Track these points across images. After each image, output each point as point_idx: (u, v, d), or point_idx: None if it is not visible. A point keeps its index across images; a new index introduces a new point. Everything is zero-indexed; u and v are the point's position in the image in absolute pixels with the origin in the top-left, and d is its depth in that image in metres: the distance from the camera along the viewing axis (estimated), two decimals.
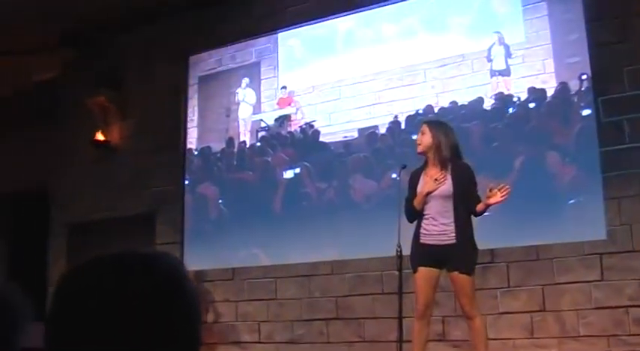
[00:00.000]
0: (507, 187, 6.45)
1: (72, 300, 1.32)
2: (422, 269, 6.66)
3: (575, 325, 9.04)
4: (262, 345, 11.16)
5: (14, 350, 1.70)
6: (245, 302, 11.43)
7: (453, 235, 6.52)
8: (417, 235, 6.75)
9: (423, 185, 6.76)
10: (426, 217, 6.70)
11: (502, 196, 6.42)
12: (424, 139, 6.81)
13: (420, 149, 6.86)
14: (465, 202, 6.60)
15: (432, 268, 6.64)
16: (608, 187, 9.04)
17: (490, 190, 6.45)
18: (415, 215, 6.81)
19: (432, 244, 6.63)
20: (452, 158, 6.75)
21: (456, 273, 6.51)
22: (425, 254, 6.65)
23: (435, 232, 6.63)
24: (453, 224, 6.54)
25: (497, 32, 10.17)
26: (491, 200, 6.44)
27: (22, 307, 1.74)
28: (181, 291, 1.37)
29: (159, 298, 1.32)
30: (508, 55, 10.07)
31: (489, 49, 10.22)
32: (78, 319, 1.29)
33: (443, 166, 6.70)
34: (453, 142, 6.85)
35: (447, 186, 6.60)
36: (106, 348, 1.26)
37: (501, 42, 10.14)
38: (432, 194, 6.67)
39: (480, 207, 6.58)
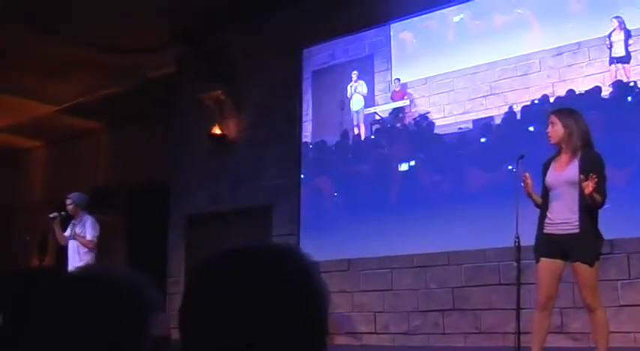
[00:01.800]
0: (594, 176, 6.26)
1: (206, 293, 1.36)
2: (545, 260, 6.54)
3: None
4: (378, 335, 11.21)
5: (147, 338, 1.76)
6: (361, 293, 11.50)
7: (577, 223, 6.36)
8: (541, 224, 6.64)
9: (548, 177, 6.65)
10: (551, 205, 6.59)
11: (592, 186, 6.24)
12: (555, 130, 6.65)
13: (553, 141, 6.70)
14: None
15: (555, 260, 6.51)
16: None
17: (583, 182, 6.30)
18: (540, 207, 6.72)
19: (555, 234, 6.49)
20: (583, 146, 6.61)
21: (578, 263, 6.35)
22: (548, 244, 6.52)
23: (559, 221, 6.49)
24: (577, 213, 6.41)
25: (618, 17, 9.92)
26: (585, 191, 6.29)
27: (152, 296, 1.81)
28: (312, 283, 1.40)
29: (291, 291, 1.35)
30: (628, 40, 9.84)
31: (609, 35, 9.98)
32: (211, 311, 1.33)
33: (574, 154, 6.57)
34: (584, 130, 6.70)
35: (573, 174, 6.45)
36: (238, 338, 1.29)
37: (622, 27, 9.90)
38: (556, 182, 6.56)
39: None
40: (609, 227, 8.26)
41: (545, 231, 6.58)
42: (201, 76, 13.63)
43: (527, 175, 6.64)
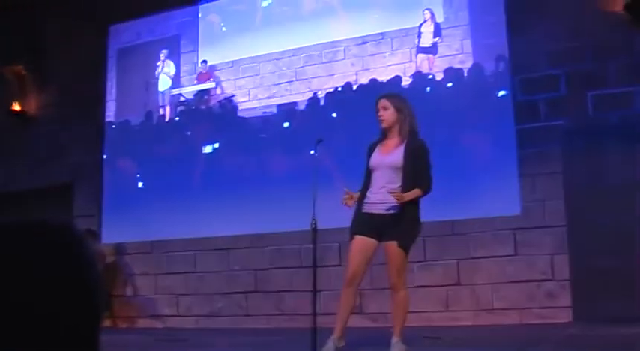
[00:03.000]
0: (395, 194, 6.37)
1: None
2: (358, 237, 6.54)
3: (489, 298, 9.28)
4: (182, 318, 11.18)
5: None
6: (164, 275, 11.43)
7: (396, 206, 6.38)
8: (360, 203, 6.69)
9: (373, 159, 6.69)
10: (372, 186, 6.66)
11: (399, 201, 6.36)
12: (388, 114, 6.62)
13: (385, 125, 6.66)
14: (415, 177, 6.54)
15: (369, 238, 6.55)
16: (524, 164, 9.30)
17: (392, 196, 6.38)
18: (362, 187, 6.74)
19: (374, 213, 6.51)
20: (410, 132, 6.69)
21: (391, 243, 6.38)
22: (365, 223, 6.55)
23: (378, 201, 6.47)
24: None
25: (429, 9, 10.29)
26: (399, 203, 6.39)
27: None
28: (73, 258, 1.35)
29: (45, 264, 1.29)
30: (437, 33, 10.21)
31: (419, 26, 10.34)
32: None
33: (402, 140, 6.62)
34: (412, 116, 6.78)
35: (398, 158, 6.50)
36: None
37: (433, 20, 10.28)
38: (380, 165, 6.60)
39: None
40: None
41: (363, 210, 6.59)
42: (3, 50, 13.11)
43: (347, 192, 6.67)
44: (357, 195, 6.65)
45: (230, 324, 10.69)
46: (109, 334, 1.39)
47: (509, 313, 9.16)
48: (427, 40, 10.29)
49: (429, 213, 9.49)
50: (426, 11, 10.35)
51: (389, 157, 6.57)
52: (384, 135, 6.71)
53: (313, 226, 6.54)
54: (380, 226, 6.46)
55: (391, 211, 6.45)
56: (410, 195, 6.34)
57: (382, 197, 6.49)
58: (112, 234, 11.81)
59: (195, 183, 11.51)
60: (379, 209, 6.51)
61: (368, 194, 6.60)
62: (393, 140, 6.62)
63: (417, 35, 10.37)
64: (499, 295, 9.24)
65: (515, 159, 9.36)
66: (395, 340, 6.37)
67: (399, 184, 6.45)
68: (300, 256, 10.14)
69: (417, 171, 6.45)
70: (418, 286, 9.51)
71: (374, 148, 6.72)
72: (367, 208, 6.58)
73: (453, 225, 9.54)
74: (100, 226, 11.96)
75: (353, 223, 6.63)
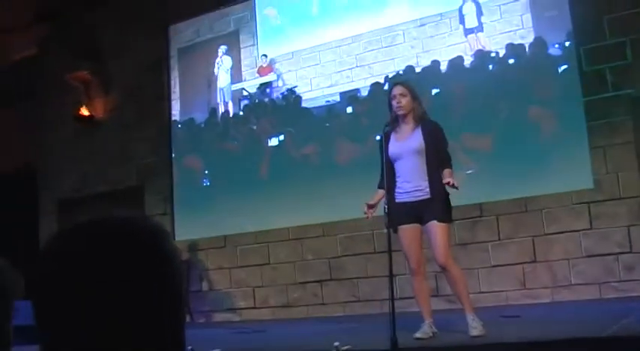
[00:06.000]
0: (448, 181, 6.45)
1: (49, 269, 1.30)
2: (403, 228, 6.63)
3: (566, 274, 9.15)
4: (258, 310, 11.25)
5: (7, 325, 1.72)
6: (238, 269, 11.51)
7: (428, 190, 6.52)
8: (391, 195, 6.70)
9: (392, 148, 6.72)
10: (399, 175, 6.74)
11: (450, 179, 6.44)
12: (406, 100, 6.70)
13: (403, 111, 6.75)
14: (438, 158, 6.59)
15: (413, 225, 6.61)
16: (593, 136, 9.13)
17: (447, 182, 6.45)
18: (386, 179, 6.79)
19: (408, 201, 6.60)
20: (422, 115, 6.76)
21: (431, 223, 6.48)
22: (403, 212, 6.60)
23: (411, 189, 6.59)
24: (427, 180, 6.56)
25: None
26: (452, 184, 6.45)
27: (12, 282, 1.76)
28: (157, 254, 1.34)
29: (132, 261, 1.29)
30: (479, 11, 10.13)
31: (460, 9, 10.30)
32: (56, 287, 1.27)
33: (416, 124, 6.68)
34: (421, 100, 6.89)
35: (419, 143, 6.57)
36: (83, 315, 1.24)
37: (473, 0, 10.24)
38: (401, 153, 6.65)
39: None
40: (477, 192, 8.53)
41: (397, 200, 6.65)
42: (66, 56, 13.25)
43: (367, 205, 6.84)
44: (378, 197, 6.85)
45: (306, 313, 10.74)
46: (188, 329, 1.40)
47: (588, 289, 9.02)
48: (472, 21, 10.20)
49: (500, 192, 9.52)
50: None
51: (408, 142, 6.66)
52: (396, 122, 6.75)
53: (386, 211, 6.54)
54: (417, 211, 6.56)
55: (424, 197, 6.55)
56: (451, 172, 6.49)
57: (413, 185, 6.61)
58: (185, 231, 11.91)
59: (264, 176, 11.54)
60: (413, 197, 6.60)
61: (397, 184, 6.66)
62: (408, 126, 6.72)
63: (460, 17, 10.30)
64: (576, 271, 9.11)
65: (584, 132, 9.20)
66: (470, 316, 6.35)
67: (425, 167, 6.52)
68: (373, 242, 10.13)
69: (438, 151, 6.53)
70: (493, 266, 9.46)
71: (388, 138, 6.76)
72: (401, 198, 6.65)
73: (526, 202, 9.42)
74: (173, 225, 12.06)
75: (392, 216, 6.62)
